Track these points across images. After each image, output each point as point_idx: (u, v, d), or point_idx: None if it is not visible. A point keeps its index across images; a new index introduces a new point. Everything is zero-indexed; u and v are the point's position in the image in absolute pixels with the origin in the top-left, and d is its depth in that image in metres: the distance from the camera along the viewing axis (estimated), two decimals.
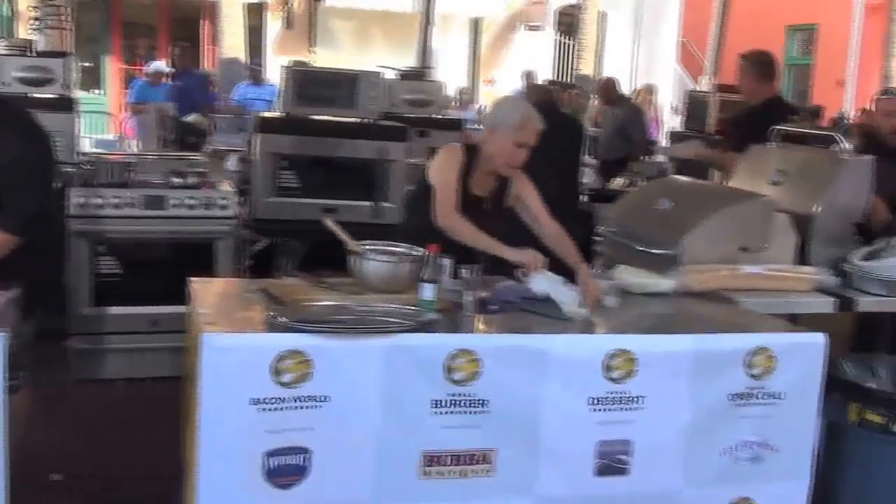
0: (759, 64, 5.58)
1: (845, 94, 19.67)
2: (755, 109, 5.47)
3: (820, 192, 4.16)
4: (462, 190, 3.76)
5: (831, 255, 4.11)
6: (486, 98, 17.12)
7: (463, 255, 3.43)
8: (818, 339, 3.20)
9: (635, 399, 3.01)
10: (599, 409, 2.99)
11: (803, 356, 3.18)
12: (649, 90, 13.49)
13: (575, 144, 6.58)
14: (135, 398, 4.98)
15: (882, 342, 4.36)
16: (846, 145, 4.35)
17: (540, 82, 10.92)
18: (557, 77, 18.11)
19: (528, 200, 3.83)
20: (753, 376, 3.12)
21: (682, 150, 7.14)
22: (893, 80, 17.98)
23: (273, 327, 2.75)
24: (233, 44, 15.31)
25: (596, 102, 12.86)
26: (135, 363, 5.16)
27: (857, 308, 3.92)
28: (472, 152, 3.82)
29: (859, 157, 4.35)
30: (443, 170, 3.81)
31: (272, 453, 2.67)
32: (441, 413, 2.83)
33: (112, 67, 17.09)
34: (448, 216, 3.68)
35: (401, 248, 3.44)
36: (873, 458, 3.36)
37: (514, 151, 3.72)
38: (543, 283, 3.34)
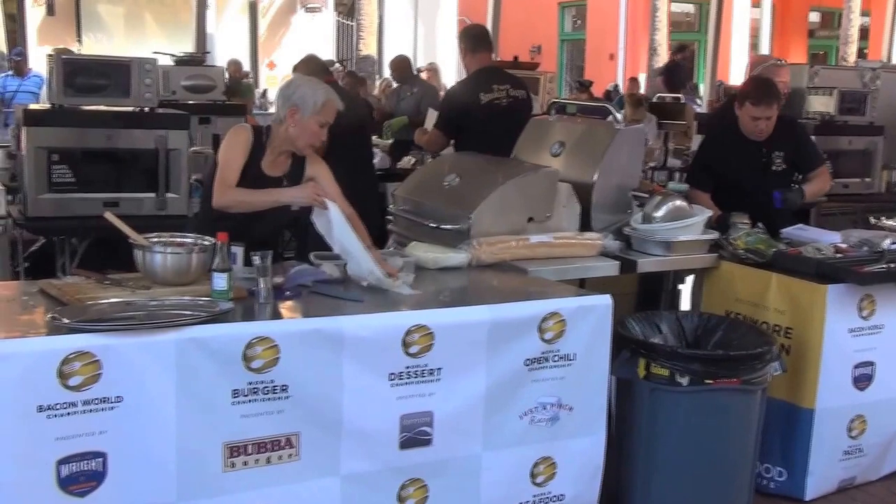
0: (467, 38, 5.95)
1: (617, 66, 20.63)
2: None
3: (597, 161, 4.33)
4: (255, 171, 3.72)
5: (612, 221, 4.30)
6: (269, 82, 16.88)
7: (256, 241, 3.39)
8: (604, 301, 3.36)
9: (433, 371, 3.07)
10: (400, 384, 3.03)
11: (591, 318, 3.33)
12: (433, 69, 13.65)
13: (363, 124, 6.63)
14: None
15: (663, 300, 4.62)
16: (618, 115, 4.55)
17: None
18: (338, 58, 18.09)
19: (323, 181, 3.82)
20: (546, 340, 3.24)
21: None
22: (660, 53, 19.03)
23: (55, 329, 2.61)
24: None
25: (380, 82, 12.93)
26: None
27: (639, 269, 4.13)
28: (260, 133, 3.78)
29: (632, 126, 4.58)
30: (225, 150, 3.77)
31: (64, 461, 2.55)
32: (241, 402, 2.78)
33: None
34: (222, 195, 3.67)
35: (189, 238, 3.34)
36: (661, 408, 3.56)
37: (316, 131, 3.72)
38: (342, 231, 3.44)
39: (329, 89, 3.83)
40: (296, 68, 5.38)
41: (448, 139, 5.84)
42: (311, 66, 5.45)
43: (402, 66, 10.42)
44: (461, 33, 6.20)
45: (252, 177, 3.71)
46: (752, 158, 4.72)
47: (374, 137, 8.53)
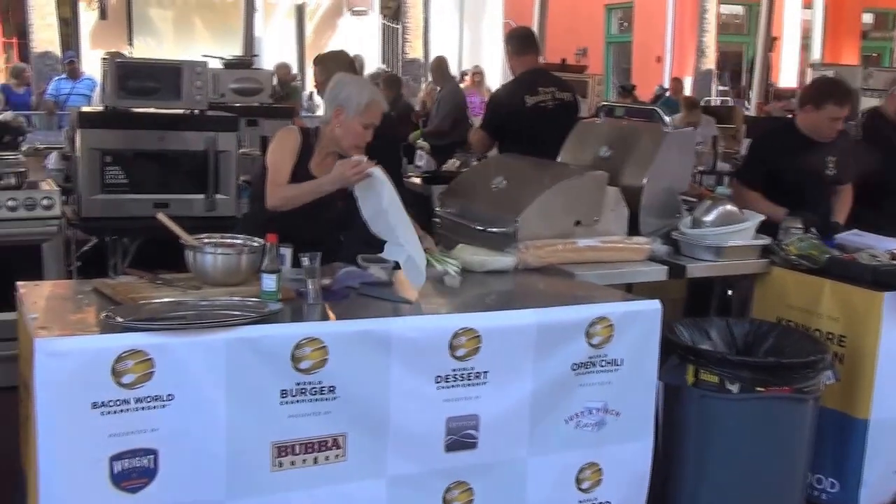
0: (512, 40, 5.95)
1: (664, 69, 20.49)
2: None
3: (646, 164, 4.30)
4: (303, 173, 3.74)
5: (660, 225, 4.26)
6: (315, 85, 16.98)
7: (305, 242, 3.41)
8: (653, 306, 3.33)
9: (480, 374, 3.06)
10: (446, 387, 3.02)
11: (640, 323, 3.30)
12: (478, 72, 13.67)
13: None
14: None
15: (712, 305, 4.58)
16: (667, 119, 4.52)
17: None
18: (385, 61, 18.17)
19: None
20: (594, 345, 3.22)
21: None
22: (707, 55, 18.89)
23: (110, 328, 2.64)
24: (44, 37, 14.62)
25: (425, 85, 12.95)
26: None
27: (688, 274, 4.09)
28: (308, 134, 3.80)
29: (681, 129, 4.54)
30: (274, 151, 3.80)
31: (117, 457, 2.58)
32: (289, 403, 2.80)
33: None
34: (275, 194, 3.70)
35: (238, 240, 3.36)
36: (710, 414, 3.53)
37: (360, 132, 3.73)
38: (392, 200, 3.38)
39: (375, 90, 3.85)
40: (320, 61, 5.30)
41: (493, 140, 5.83)
42: (338, 62, 5.33)
43: (436, 67, 10.45)
44: (507, 35, 6.20)
45: (300, 178, 3.73)
46: (813, 160, 4.66)
47: (419, 141, 8.57)
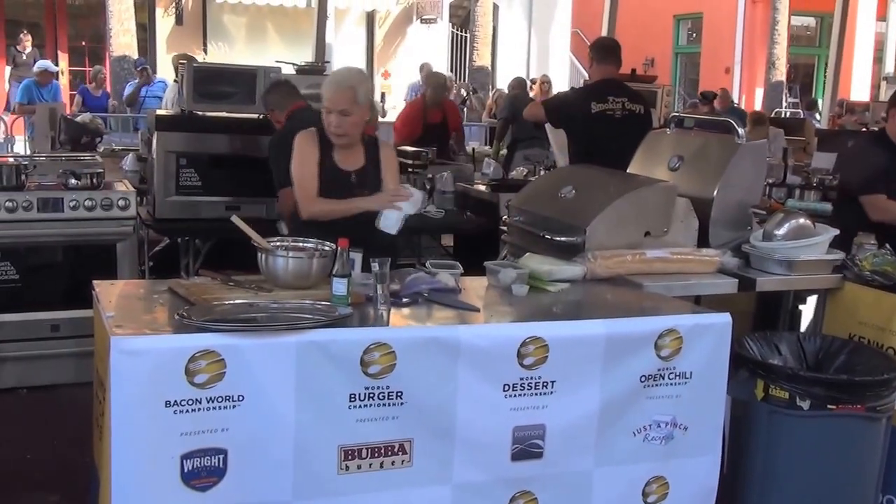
0: (595, 48, 6.20)
1: (732, 80, 20.25)
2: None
3: (717, 176, 4.26)
4: (330, 167, 3.94)
5: (730, 238, 4.21)
6: (384, 89, 17.10)
7: (374, 247, 3.46)
8: (723, 319, 3.28)
9: (547, 384, 3.05)
10: (513, 396, 3.01)
11: (710, 336, 3.25)
12: (547, 80, 13.65)
13: None
14: (37, 406, 4.83)
15: (782, 320, 4.51)
16: (741, 130, 4.47)
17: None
18: (452, 69, 18.23)
19: (385, 174, 4.04)
20: (663, 357, 3.18)
21: None
22: (777, 67, 18.62)
23: (184, 328, 2.69)
24: (123, 42, 14.96)
25: (493, 93, 12.97)
26: (36, 370, 5.00)
27: (758, 287, 4.03)
28: (325, 131, 3.98)
29: (754, 141, 4.49)
30: (296, 164, 4.00)
31: (188, 455, 2.62)
32: (357, 407, 2.81)
33: None
34: (306, 208, 3.93)
35: (310, 244, 3.41)
36: (779, 431, 3.47)
37: (326, 118, 3.92)
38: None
39: (333, 75, 4.09)
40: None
41: (544, 119, 6.11)
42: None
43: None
44: (592, 44, 6.47)
45: (327, 172, 3.94)
46: None
47: (486, 147, 8.59)
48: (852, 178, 4.93)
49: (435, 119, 8.25)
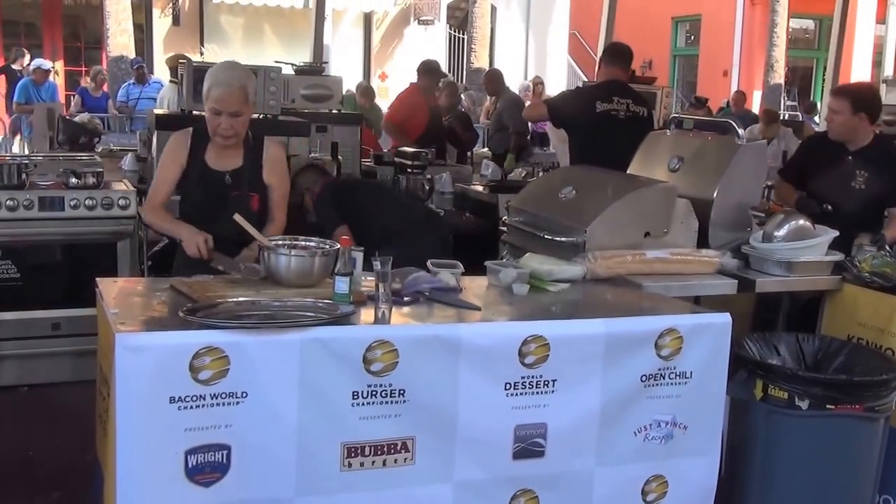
0: (607, 50, 6.37)
1: (731, 83, 20.26)
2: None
3: (717, 177, 4.27)
4: (198, 164, 3.84)
5: (730, 239, 4.23)
6: (380, 93, 17.11)
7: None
8: (723, 319, 3.30)
9: (548, 382, 3.06)
10: (515, 394, 3.03)
11: (710, 336, 3.27)
12: (540, 82, 13.67)
13: None
14: (38, 404, 4.84)
15: (781, 321, 4.52)
16: (741, 132, 4.49)
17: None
18: (450, 71, 18.24)
19: (269, 176, 3.93)
20: (663, 357, 3.20)
21: None
22: (776, 70, 18.64)
23: (188, 324, 2.70)
24: (120, 42, 14.96)
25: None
26: (36, 369, 5.01)
27: (757, 288, 4.05)
28: (204, 129, 3.85)
29: (753, 143, 4.51)
30: (160, 164, 3.95)
31: (192, 451, 2.63)
32: (360, 404, 2.83)
33: None
34: (146, 213, 3.91)
35: (312, 242, 3.42)
36: (778, 431, 3.49)
37: (211, 119, 3.77)
38: None
39: (216, 75, 3.80)
40: None
41: (547, 117, 6.14)
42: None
43: (491, 80, 10.53)
44: (605, 46, 6.71)
45: (194, 170, 3.85)
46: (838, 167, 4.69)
47: (484, 150, 8.62)
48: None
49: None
